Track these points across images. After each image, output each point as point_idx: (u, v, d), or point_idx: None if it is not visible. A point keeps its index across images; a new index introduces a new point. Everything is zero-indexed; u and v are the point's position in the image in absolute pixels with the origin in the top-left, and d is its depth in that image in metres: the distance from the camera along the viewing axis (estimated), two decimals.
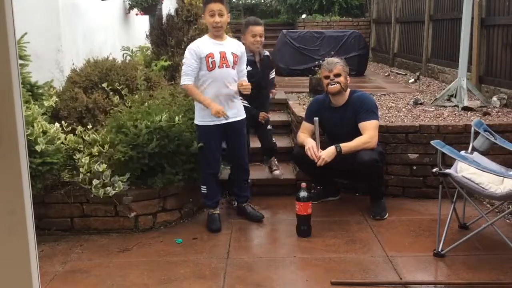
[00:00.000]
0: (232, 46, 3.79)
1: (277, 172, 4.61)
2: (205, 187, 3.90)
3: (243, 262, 3.31)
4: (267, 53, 4.49)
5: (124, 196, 3.76)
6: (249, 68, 4.10)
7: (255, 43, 4.20)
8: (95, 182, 3.67)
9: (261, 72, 4.34)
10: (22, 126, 1.09)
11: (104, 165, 3.70)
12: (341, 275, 3.09)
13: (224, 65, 3.69)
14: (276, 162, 4.67)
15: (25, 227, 1.09)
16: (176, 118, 3.83)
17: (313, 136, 3.95)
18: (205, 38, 3.79)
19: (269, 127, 4.61)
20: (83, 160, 3.73)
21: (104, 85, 4.61)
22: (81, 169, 3.72)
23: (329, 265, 3.24)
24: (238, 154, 3.95)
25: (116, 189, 3.67)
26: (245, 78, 3.89)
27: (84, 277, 3.15)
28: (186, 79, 3.68)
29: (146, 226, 3.86)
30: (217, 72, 3.68)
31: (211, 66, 3.67)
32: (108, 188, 3.66)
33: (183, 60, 3.73)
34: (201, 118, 3.79)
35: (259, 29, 4.18)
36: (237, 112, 3.83)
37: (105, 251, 3.52)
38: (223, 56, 3.68)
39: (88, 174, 3.72)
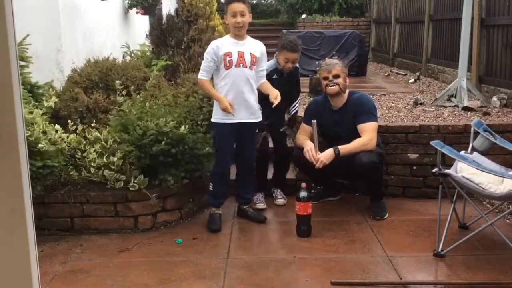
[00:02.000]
0: (252, 47, 3.80)
1: (280, 201, 4.35)
2: (212, 185, 3.92)
3: (243, 262, 3.31)
4: (296, 65, 4.29)
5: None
6: (275, 76, 4.10)
7: (287, 67, 4.11)
8: (106, 173, 3.68)
9: (288, 81, 4.22)
10: (22, 126, 1.09)
11: (120, 154, 3.71)
12: (341, 275, 3.09)
13: (241, 64, 3.72)
14: (282, 194, 4.40)
15: (25, 227, 1.09)
16: (182, 128, 3.83)
17: (311, 138, 3.95)
18: (226, 37, 3.85)
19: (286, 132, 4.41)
20: (90, 155, 3.73)
21: (118, 82, 4.62)
22: (92, 164, 3.73)
23: (329, 265, 3.24)
24: (247, 155, 3.95)
25: (136, 181, 3.71)
26: (264, 79, 3.89)
27: (84, 277, 3.15)
28: (202, 75, 3.77)
29: (146, 226, 3.86)
30: (233, 70, 3.71)
31: (228, 64, 3.71)
32: (122, 176, 3.70)
33: (204, 56, 3.80)
34: (216, 116, 3.81)
35: (294, 56, 4.09)
36: (253, 113, 3.82)
37: (105, 251, 3.52)
38: (241, 55, 3.72)
39: (100, 169, 3.73)
